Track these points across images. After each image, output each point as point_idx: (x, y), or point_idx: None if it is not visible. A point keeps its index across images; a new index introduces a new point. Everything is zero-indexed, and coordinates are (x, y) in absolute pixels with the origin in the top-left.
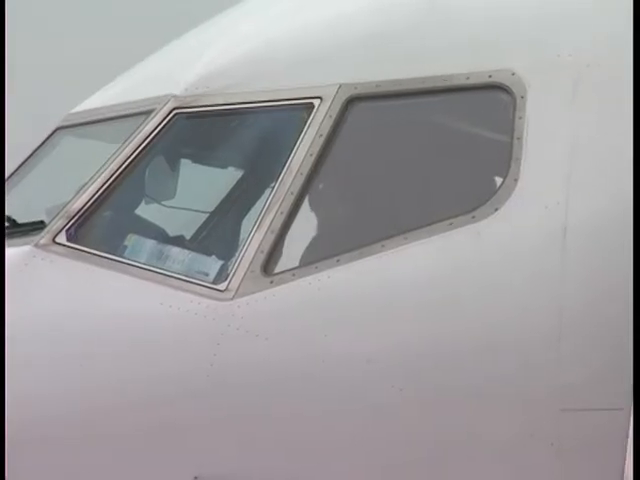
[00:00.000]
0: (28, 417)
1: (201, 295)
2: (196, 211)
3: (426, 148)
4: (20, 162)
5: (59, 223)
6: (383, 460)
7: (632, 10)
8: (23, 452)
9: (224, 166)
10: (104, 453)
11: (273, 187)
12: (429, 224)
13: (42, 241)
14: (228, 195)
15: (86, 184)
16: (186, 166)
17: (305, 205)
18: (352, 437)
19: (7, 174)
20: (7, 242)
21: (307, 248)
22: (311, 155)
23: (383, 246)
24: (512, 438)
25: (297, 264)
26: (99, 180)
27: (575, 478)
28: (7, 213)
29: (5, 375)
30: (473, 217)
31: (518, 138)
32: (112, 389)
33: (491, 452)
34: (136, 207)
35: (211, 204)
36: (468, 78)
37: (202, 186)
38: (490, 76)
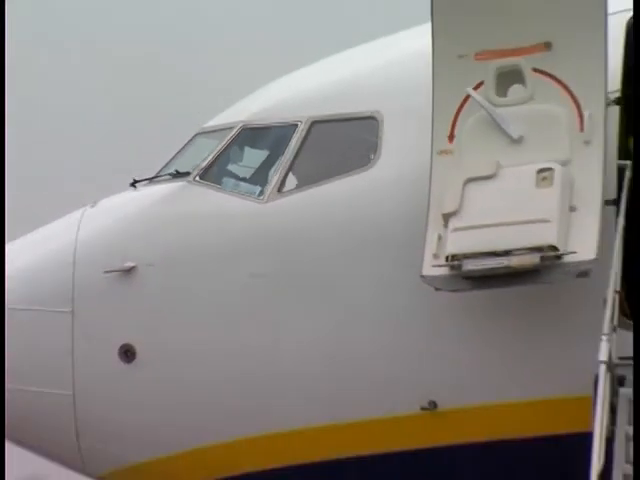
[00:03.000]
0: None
1: (254, 202)
2: (251, 167)
3: (344, 143)
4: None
5: (196, 172)
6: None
7: (632, 11)
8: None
9: (262, 149)
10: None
11: (281, 158)
12: (344, 172)
13: (189, 179)
14: (264, 161)
15: (207, 157)
16: (247, 150)
17: (293, 167)
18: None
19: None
20: (175, 180)
21: (295, 184)
22: (296, 147)
23: (325, 181)
24: None
25: (292, 189)
26: (213, 153)
27: None
28: (177, 168)
29: (5, 377)
30: (363, 169)
31: (380, 138)
32: (207, 244)
33: None
34: (227, 165)
35: (257, 164)
36: (360, 113)
37: (254, 157)
38: (369, 112)
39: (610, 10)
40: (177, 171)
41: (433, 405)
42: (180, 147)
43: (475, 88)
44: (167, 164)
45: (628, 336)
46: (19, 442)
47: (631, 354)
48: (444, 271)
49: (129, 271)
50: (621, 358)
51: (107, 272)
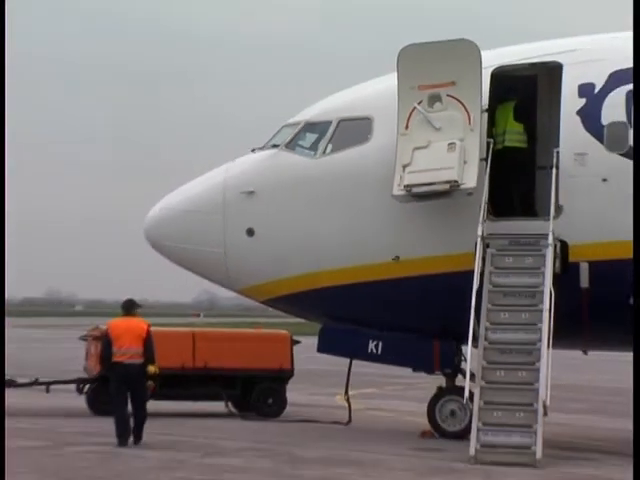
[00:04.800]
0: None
1: (311, 159)
2: (310, 142)
3: (354, 131)
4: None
5: (283, 144)
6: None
7: (633, 11)
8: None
9: (315, 133)
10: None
11: (324, 138)
12: (354, 145)
13: (279, 148)
14: (315, 140)
15: (288, 137)
16: (308, 134)
17: (330, 142)
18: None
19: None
20: (273, 148)
21: (330, 150)
22: (331, 133)
23: (345, 149)
24: None
25: (329, 153)
26: (291, 136)
27: None
28: (274, 143)
29: (4, 375)
30: (364, 143)
31: (372, 128)
32: (288, 179)
33: None
34: (298, 141)
35: (312, 141)
36: (362, 116)
37: (311, 138)
38: (367, 115)
39: (484, 66)
40: (274, 144)
41: (397, 258)
42: (272, 135)
43: (418, 103)
44: (269, 141)
45: (492, 224)
46: (198, 274)
47: (493, 233)
48: (404, 193)
49: (251, 192)
50: (488, 234)
51: (241, 192)
